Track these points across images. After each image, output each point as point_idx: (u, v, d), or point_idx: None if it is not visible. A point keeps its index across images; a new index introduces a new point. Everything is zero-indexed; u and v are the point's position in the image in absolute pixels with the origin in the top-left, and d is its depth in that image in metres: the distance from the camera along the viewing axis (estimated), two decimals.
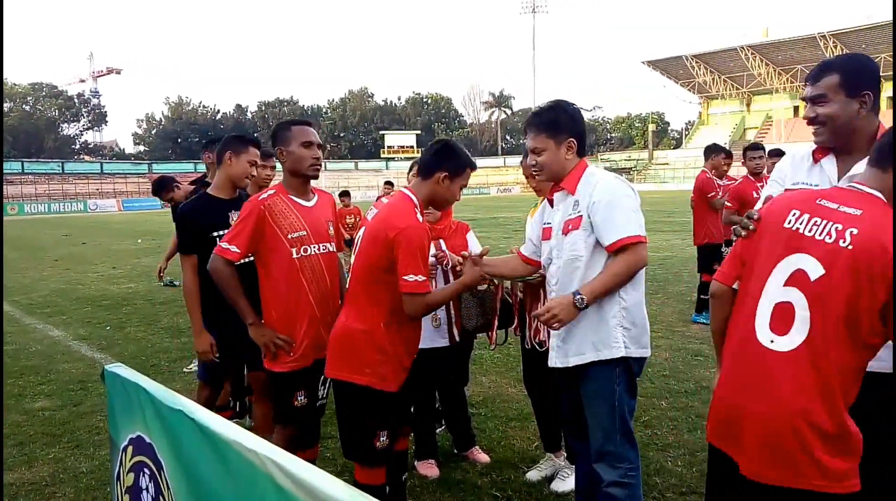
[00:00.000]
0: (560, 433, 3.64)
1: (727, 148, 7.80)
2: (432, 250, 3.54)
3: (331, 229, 3.16)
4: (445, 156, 2.82)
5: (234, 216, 3.35)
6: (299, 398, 3.04)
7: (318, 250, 3.04)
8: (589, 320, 2.55)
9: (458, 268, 3.43)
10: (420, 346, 3.56)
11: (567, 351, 2.65)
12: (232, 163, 3.48)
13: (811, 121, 2.23)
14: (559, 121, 2.65)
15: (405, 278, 2.59)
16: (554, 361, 2.72)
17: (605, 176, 2.65)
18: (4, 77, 77.47)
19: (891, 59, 47.35)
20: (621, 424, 2.60)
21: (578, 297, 2.44)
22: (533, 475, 3.64)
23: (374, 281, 2.70)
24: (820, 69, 2.21)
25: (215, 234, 3.35)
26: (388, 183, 12.86)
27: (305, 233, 2.98)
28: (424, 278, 2.61)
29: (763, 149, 7.01)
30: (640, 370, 2.69)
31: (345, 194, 12.50)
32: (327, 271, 3.06)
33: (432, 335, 3.59)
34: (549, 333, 3.25)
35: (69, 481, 3.75)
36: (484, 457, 3.87)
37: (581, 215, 2.57)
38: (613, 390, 2.58)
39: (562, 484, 3.50)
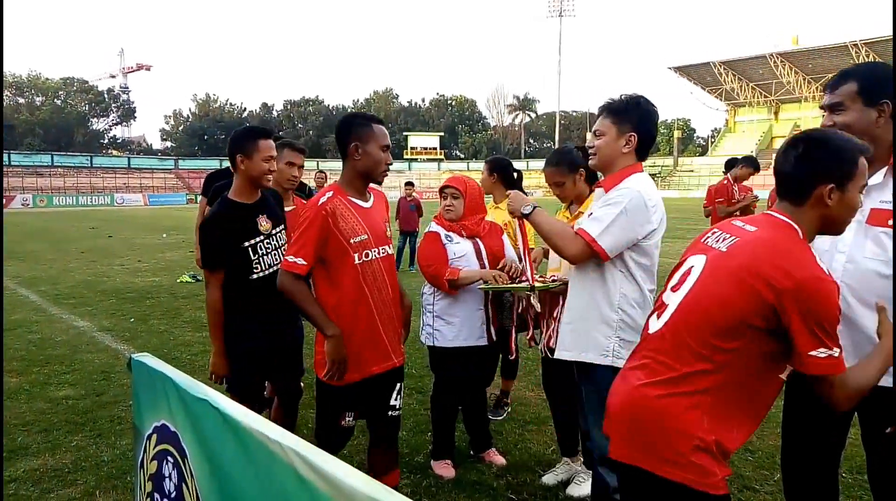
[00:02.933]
0: (577, 438, 3.63)
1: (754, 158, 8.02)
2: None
3: (388, 229, 3.01)
4: (824, 159, 1.84)
5: (262, 222, 3.20)
6: (346, 419, 2.87)
7: (379, 253, 2.84)
8: (586, 321, 2.61)
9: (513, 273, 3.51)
10: (463, 344, 3.61)
11: (562, 344, 2.72)
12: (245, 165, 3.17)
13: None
14: (629, 111, 2.59)
15: (814, 354, 1.71)
16: (559, 353, 2.77)
17: (637, 183, 2.57)
18: (37, 72, 79.09)
19: None
20: None
21: (529, 208, 2.68)
22: (549, 478, 3.63)
23: (717, 338, 1.78)
24: (839, 77, 2.20)
25: (246, 244, 3.15)
26: (409, 184, 12.92)
27: (367, 237, 2.78)
28: (837, 349, 1.74)
29: None
30: None
31: None
32: (388, 276, 2.89)
33: (477, 335, 3.63)
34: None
35: (91, 469, 3.81)
36: (500, 459, 3.86)
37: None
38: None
39: (577, 489, 3.49)
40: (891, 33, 53.62)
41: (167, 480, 1.96)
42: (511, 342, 3.65)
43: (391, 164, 2.91)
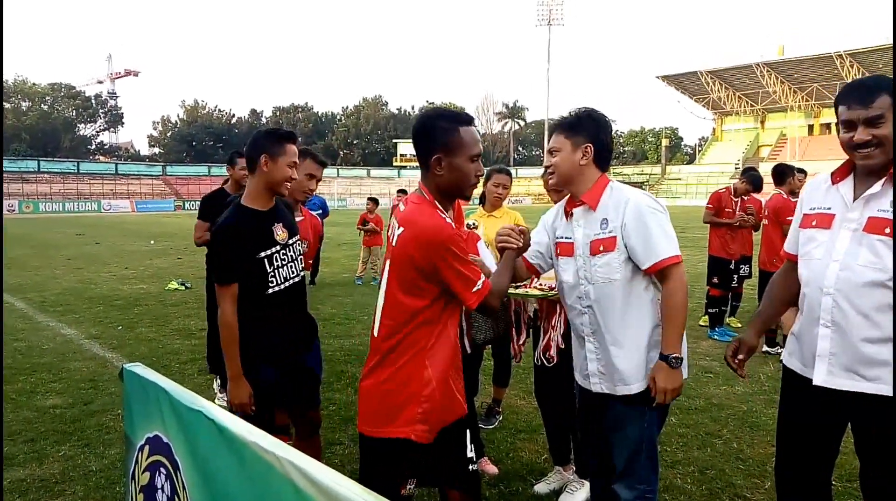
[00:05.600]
0: (569, 447, 3.63)
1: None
2: None
3: None
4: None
5: (278, 231, 2.91)
6: (409, 487, 2.48)
7: None
8: (630, 349, 2.49)
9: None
10: None
11: (613, 379, 2.53)
12: (268, 168, 2.88)
13: (865, 144, 2.12)
14: (580, 124, 2.54)
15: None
16: (599, 386, 2.59)
17: (633, 194, 2.52)
18: (24, 77, 78.55)
19: None
20: (648, 447, 2.57)
21: (672, 357, 2.37)
22: (541, 487, 3.62)
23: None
24: (868, 91, 2.11)
25: (262, 255, 2.85)
26: (401, 191, 12.94)
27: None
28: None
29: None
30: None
31: (372, 201, 12.40)
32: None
33: None
34: (559, 350, 3.26)
35: (79, 479, 3.77)
36: (492, 468, 3.85)
37: (614, 236, 2.45)
38: (645, 413, 2.52)
39: (570, 498, 3.48)
40: (875, 45, 53.83)
41: (159, 492, 1.94)
42: (513, 346, 3.65)
43: (481, 174, 2.44)
